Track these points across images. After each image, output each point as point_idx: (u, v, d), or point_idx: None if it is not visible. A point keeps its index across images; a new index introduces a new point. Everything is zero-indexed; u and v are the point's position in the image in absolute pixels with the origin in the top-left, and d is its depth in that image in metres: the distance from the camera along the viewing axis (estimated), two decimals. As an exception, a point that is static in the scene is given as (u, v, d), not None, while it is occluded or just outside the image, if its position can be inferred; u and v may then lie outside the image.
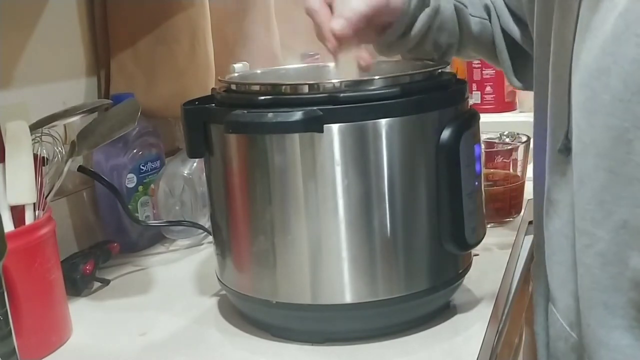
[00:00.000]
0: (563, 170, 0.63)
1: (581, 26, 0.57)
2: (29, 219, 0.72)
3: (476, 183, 0.71)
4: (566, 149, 0.61)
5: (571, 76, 0.59)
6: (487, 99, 2.01)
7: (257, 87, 0.71)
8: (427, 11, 0.78)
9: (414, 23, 0.78)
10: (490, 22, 0.84)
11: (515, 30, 0.82)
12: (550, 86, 0.65)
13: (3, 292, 0.60)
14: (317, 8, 0.72)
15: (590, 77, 0.55)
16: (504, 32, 0.83)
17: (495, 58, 0.86)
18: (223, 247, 0.74)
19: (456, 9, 0.81)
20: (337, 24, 0.70)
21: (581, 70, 0.57)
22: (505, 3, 0.83)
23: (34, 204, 0.72)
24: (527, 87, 0.83)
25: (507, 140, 1.10)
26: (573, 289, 0.62)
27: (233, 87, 0.74)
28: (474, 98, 1.99)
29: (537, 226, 0.73)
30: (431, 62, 0.80)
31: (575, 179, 0.59)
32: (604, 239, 0.56)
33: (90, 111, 0.85)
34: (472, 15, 0.83)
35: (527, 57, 0.80)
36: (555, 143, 0.64)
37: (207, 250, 1.01)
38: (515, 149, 1.04)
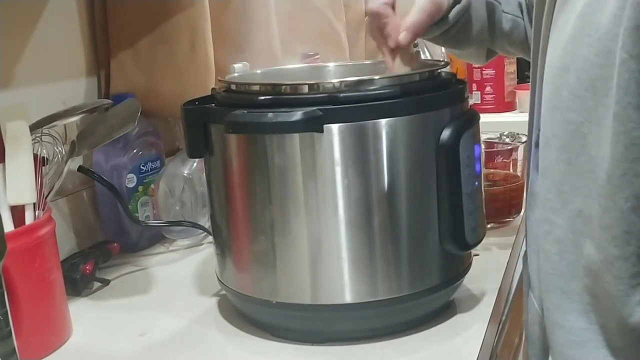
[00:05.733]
0: (537, 164, 0.65)
1: (552, 27, 0.61)
2: (29, 219, 0.72)
3: (476, 183, 0.71)
4: (538, 143, 0.63)
5: (542, 73, 0.63)
6: (487, 99, 2.01)
7: (257, 87, 0.71)
8: (457, 8, 0.82)
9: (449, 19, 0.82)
10: (522, 19, 0.87)
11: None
12: (537, 84, 0.67)
13: (3, 292, 0.60)
14: (380, 10, 0.78)
15: (554, 74, 0.59)
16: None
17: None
18: (223, 247, 0.74)
19: (488, 5, 0.85)
20: (404, 37, 0.76)
21: (548, 68, 0.61)
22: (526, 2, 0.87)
23: (34, 204, 0.72)
24: None
25: (507, 140, 1.10)
26: (542, 277, 0.64)
27: (233, 87, 0.74)
28: (474, 98, 1.99)
29: (525, 219, 0.75)
30: (431, 62, 0.80)
31: (540, 171, 0.63)
32: (562, 226, 0.59)
33: (90, 111, 0.85)
34: (505, 12, 0.86)
35: None
36: (535, 138, 0.68)
37: (207, 250, 1.01)
38: (515, 149, 1.04)
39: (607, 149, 0.53)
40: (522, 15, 0.87)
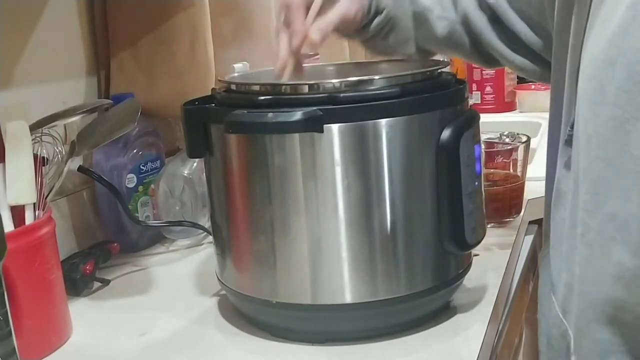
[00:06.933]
0: (568, 162, 0.63)
1: (592, 18, 0.58)
2: (29, 219, 0.72)
3: (476, 183, 0.71)
4: (571, 140, 0.62)
5: (580, 68, 0.59)
6: (487, 99, 2.01)
7: (257, 87, 0.71)
8: (377, 20, 0.82)
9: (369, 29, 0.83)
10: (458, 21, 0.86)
11: (523, 30, 0.83)
12: (567, 79, 0.66)
13: (3, 292, 0.60)
14: (295, 5, 0.76)
15: (597, 68, 0.56)
16: (506, 31, 0.84)
17: (471, 55, 0.88)
18: (223, 247, 0.74)
19: (416, 16, 0.85)
20: (315, 35, 0.75)
21: (589, 62, 0.57)
22: (509, 5, 0.84)
23: (34, 204, 0.72)
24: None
25: (507, 140, 1.10)
26: (566, 278, 0.63)
27: (233, 87, 0.74)
28: (474, 98, 1.99)
29: (545, 217, 0.74)
30: (431, 62, 0.80)
31: (579, 170, 0.60)
32: (594, 229, 0.56)
33: (90, 111, 0.85)
34: (441, 17, 0.85)
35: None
36: (563, 135, 0.65)
37: (207, 250, 1.01)
38: (515, 149, 1.03)
39: None
40: (458, 19, 0.86)
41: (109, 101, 0.89)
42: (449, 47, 0.88)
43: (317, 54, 1.32)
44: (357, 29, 0.83)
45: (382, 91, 0.66)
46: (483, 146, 0.93)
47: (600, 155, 0.55)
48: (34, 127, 0.76)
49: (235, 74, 0.91)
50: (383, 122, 0.65)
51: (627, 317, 0.55)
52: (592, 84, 0.57)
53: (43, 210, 0.74)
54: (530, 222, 1.10)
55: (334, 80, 0.68)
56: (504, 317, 0.82)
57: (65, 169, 0.77)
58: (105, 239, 0.99)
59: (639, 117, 0.52)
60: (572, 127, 0.61)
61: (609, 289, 0.56)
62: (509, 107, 2.00)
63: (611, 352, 0.57)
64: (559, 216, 0.66)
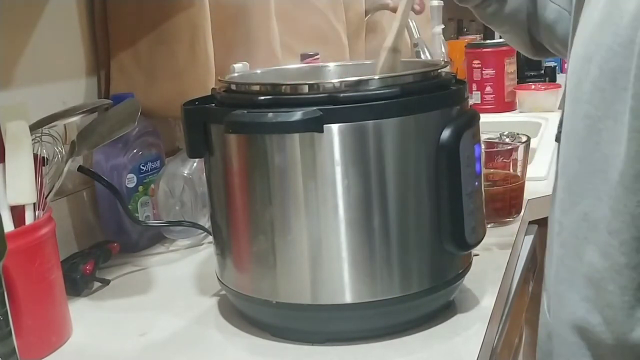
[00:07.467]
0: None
1: (582, 13, 0.58)
2: (29, 219, 0.72)
3: (476, 183, 0.71)
4: (558, 138, 0.61)
5: (568, 64, 0.59)
6: (487, 99, 2.01)
7: (257, 87, 0.71)
8: None
9: None
10: (570, 13, 0.81)
11: None
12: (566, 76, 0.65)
13: (3, 292, 0.60)
14: None
15: (578, 65, 0.55)
16: None
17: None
18: (223, 247, 0.74)
19: None
20: None
21: (573, 58, 0.57)
22: None
23: (34, 204, 0.72)
24: None
25: (507, 140, 1.10)
26: (548, 278, 0.62)
27: (233, 87, 0.74)
28: (474, 98, 1.99)
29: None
30: (431, 62, 0.80)
31: (559, 168, 0.59)
32: (568, 228, 0.56)
33: (90, 111, 0.85)
34: (551, 1, 0.81)
35: None
36: (557, 133, 0.65)
37: (207, 250, 1.01)
38: (515, 149, 1.03)
39: (622, 147, 0.50)
40: (571, 10, 0.80)
41: (109, 101, 0.89)
42: (556, 39, 0.83)
43: (317, 54, 1.32)
44: None
45: (382, 91, 0.66)
46: (483, 146, 0.93)
47: (576, 154, 0.55)
48: (34, 127, 0.76)
49: (235, 74, 0.91)
50: (383, 122, 0.65)
51: (598, 319, 0.54)
52: (573, 80, 0.56)
53: (43, 210, 0.74)
54: (530, 222, 1.10)
55: (334, 80, 0.68)
56: (504, 317, 0.82)
57: (65, 169, 0.77)
58: (105, 239, 0.99)
59: (609, 115, 0.51)
60: (561, 124, 0.61)
61: (581, 290, 0.55)
62: (509, 107, 2.00)
63: (578, 355, 0.56)
64: (551, 217, 0.66)
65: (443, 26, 2.07)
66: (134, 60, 1.06)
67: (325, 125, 0.65)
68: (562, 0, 0.81)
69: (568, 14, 0.81)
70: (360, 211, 0.67)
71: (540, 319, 0.69)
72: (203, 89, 1.00)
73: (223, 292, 0.80)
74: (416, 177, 0.68)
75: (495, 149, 1.06)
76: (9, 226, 0.70)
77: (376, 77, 0.68)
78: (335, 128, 0.65)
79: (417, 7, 0.75)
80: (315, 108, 0.64)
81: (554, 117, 1.81)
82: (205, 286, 0.86)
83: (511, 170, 1.04)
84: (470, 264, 0.76)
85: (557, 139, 0.62)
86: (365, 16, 1.85)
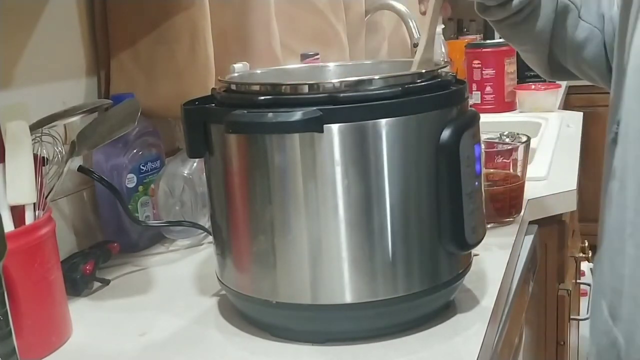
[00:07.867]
0: (614, 161, 0.61)
1: None
2: (29, 219, 0.72)
3: (476, 183, 0.71)
4: (616, 139, 0.60)
5: (627, 63, 0.57)
6: (487, 99, 2.01)
7: (257, 87, 0.71)
8: None
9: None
10: (602, 32, 0.79)
11: None
12: (614, 78, 0.63)
13: (3, 292, 0.60)
14: None
15: None
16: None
17: (603, 75, 0.80)
18: (223, 247, 0.74)
19: (560, 6, 0.78)
20: None
21: (636, 55, 0.55)
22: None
23: (34, 204, 0.72)
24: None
25: (507, 140, 1.10)
26: (615, 282, 0.61)
27: (233, 87, 0.74)
28: (474, 98, 1.99)
29: (599, 220, 0.72)
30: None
31: (628, 168, 0.57)
32: None
33: (90, 111, 0.85)
34: (582, 20, 0.79)
35: None
36: (609, 134, 0.63)
37: (207, 250, 1.01)
38: (515, 149, 1.04)
39: None
40: (602, 28, 0.79)
41: (109, 101, 0.89)
42: (584, 59, 0.80)
43: (317, 54, 1.32)
44: (500, 2, 0.77)
45: (382, 91, 0.66)
46: (483, 146, 0.93)
47: None
48: (34, 127, 0.76)
49: (235, 74, 0.91)
50: (383, 122, 0.65)
51: None
52: (638, 77, 0.54)
53: (43, 210, 0.74)
54: (530, 222, 1.10)
55: (334, 80, 0.68)
56: (504, 317, 0.82)
57: (65, 169, 0.77)
58: (105, 239, 0.99)
59: None
60: (618, 124, 0.59)
61: None
62: (509, 107, 2.00)
63: None
64: (608, 218, 0.64)
65: (443, 26, 2.07)
66: (134, 60, 1.06)
67: (325, 125, 0.65)
68: (594, 18, 0.80)
69: (599, 32, 0.79)
70: (360, 211, 0.67)
71: (596, 327, 0.66)
72: (203, 89, 1.00)
73: (223, 292, 0.80)
74: (416, 177, 0.68)
75: (495, 149, 1.06)
76: (9, 226, 0.70)
77: (376, 77, 0.68)
78: (335, 128, 0.65)
79: (443, 12, 0.74)
80: (315, 108, 0.64)
81: (554, 117, 1.81)
82: (205, 286, 0.86)
83: (511, 170, 1.04)
84: (470, 264, 0.76)
85: (614, 140, 0.60)
86: (365, 16, 1.85)
